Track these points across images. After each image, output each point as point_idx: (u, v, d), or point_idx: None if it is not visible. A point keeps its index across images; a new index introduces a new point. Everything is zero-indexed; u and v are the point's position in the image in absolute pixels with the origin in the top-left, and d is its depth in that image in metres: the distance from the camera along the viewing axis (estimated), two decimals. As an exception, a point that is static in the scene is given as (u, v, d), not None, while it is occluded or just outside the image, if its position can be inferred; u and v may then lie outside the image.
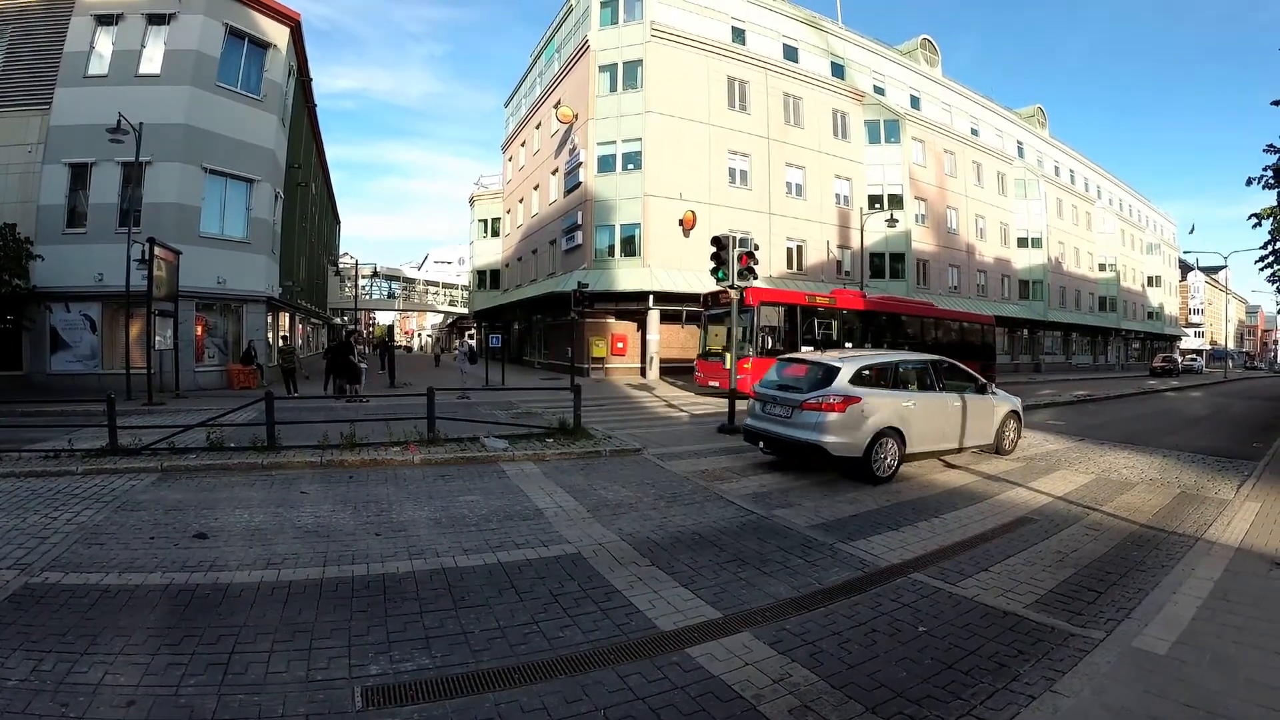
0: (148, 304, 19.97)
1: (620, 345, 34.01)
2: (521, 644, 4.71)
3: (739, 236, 15.59)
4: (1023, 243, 54.46)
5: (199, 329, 24.83)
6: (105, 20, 24.05)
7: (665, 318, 33.34)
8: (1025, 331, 56.47)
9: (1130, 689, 4.09)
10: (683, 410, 19.29)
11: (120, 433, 11.25)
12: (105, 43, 24.13)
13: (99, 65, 24.03)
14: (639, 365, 33.75)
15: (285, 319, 35.28)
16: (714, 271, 15.41)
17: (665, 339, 33.52)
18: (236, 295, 25.51)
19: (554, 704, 3.96)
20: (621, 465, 11.31)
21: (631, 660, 4.49)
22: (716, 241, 15.42)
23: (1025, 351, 56.97)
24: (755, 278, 15.55)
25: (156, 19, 24.12)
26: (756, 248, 15.72)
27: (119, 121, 19.72)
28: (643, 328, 33.52)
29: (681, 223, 32.39)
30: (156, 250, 19.92)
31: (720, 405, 17.63)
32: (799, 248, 38.27)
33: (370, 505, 8.44)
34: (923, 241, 44.50)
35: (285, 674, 4.28)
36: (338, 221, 68.61)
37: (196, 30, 24.20)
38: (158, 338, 21.48)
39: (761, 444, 11.10)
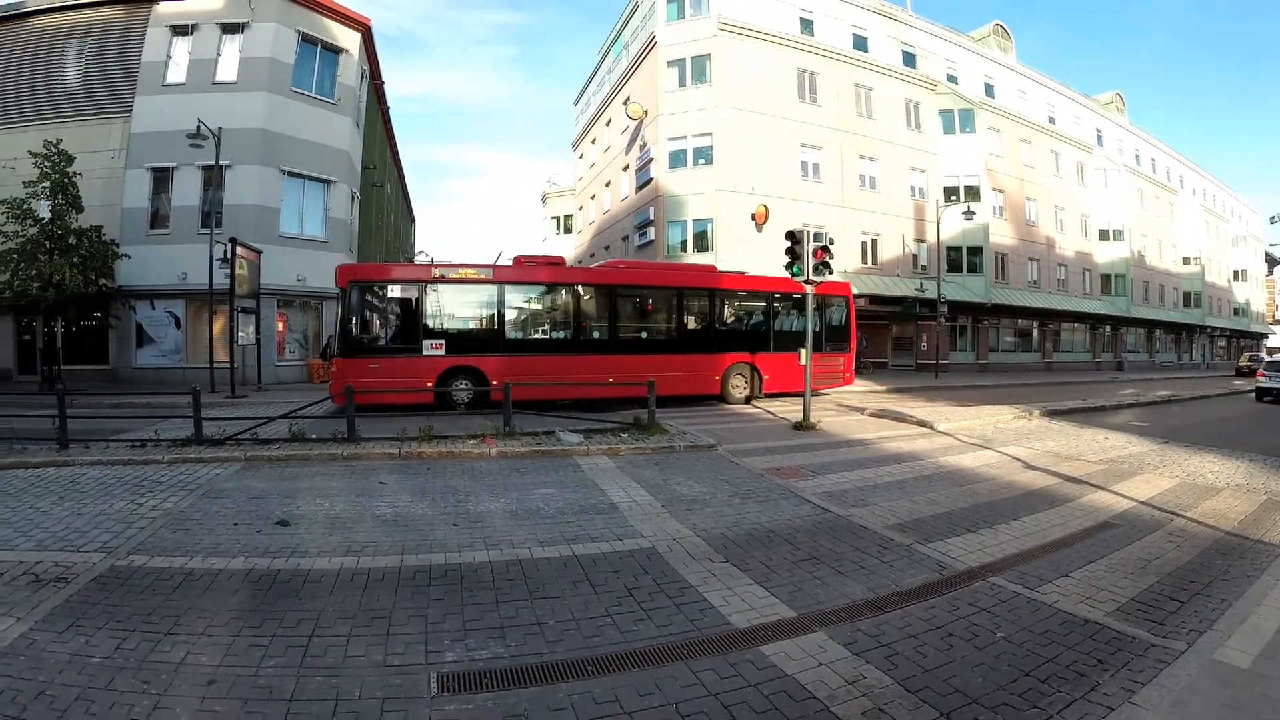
0: (230, 301, 20.69)
1: None
2: (595, 636, 4.72)
3: (813, 231, 15.28)
4: (1104, 235, 51.86)
5: (280, 325, 25.91)
6: (181, 30, 25.38)
7: None
8: (1108, 328, 53.88)
9: (1211, 703, 3.97)
10: (756, 406, 19.05)
11: (205, 424, 11.72)
12: (182, 52, 25.42)
13: (176, 74, 25.30)
14: None
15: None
16: (788, 266, 15.13)
17: None
18: (316, 292, 26.12)
19: (627, 697, 3.96)
20: (695, 461, 11.22)
21: (705, 656, 4.46)
22: (791, 236, 15.14)
23: (1107, 349, 54.41)
24: (830, 272, 15.23)
25: (230, 28, 25.30)
26: (831, 242, 15.37)
27: (198, 127, 20.52)
28: None
29: (754, 217, 31.97)
30: (238, 250, 20.60)
31: (794, 403, 17.33)
32: (873, 241, 37.43)
33: (447, 496, 8.58)
34: (1001, 235, 42.84)
35: (363, 658, 4.38)
36: (413, 220, 70.15)
37: (270, 38, 25.25)
38: (240, 334, 22.10)
39: None
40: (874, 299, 34.68)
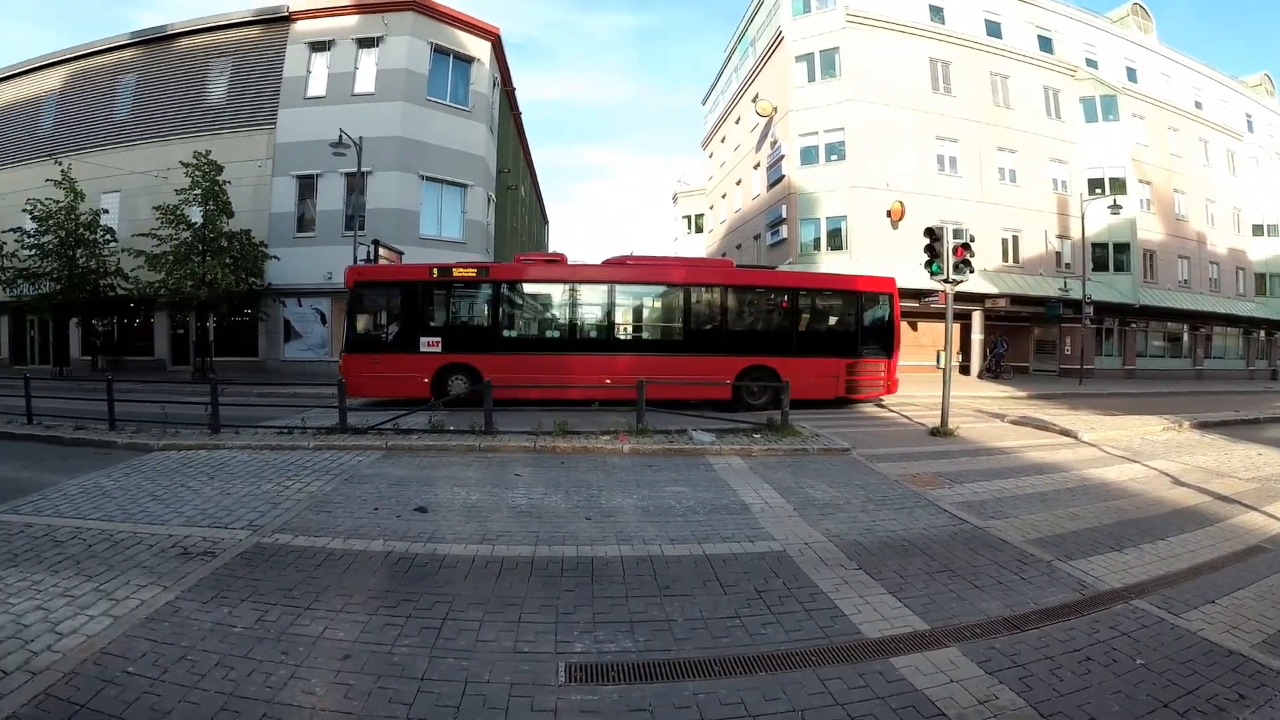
0: None
1: None
2: (723, 637, 4.68)
3: (953, 227, 14.45)
4: (1258, 230, 46.61)
5: None
6: (319, 46, 27.24)
7: None
8: (1261, 333, 48.93)
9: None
10: (891, 411, 18.28)
11: (348, 414, 12.35)
12: (321, 66, 27.26)
13: (317, 87, 27.17)
14: None
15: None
16: (928, 265, 14.33)
17: None
18: None
19: (752, 700, 3.91)
20: (829, 464, 10.81)
21: (833, 664, 4.36)
22: (930, 233, 14.34)
23: (1262, 356, 49.32)
24: (971, 271, 14.27)
25: (366, 42, 26.90)
26: (972, 239, 14.47)
27: (340, 136, 21.73)
28: None
29: (889, 214, 30.66)
30: (381, 251, 21.66)
31: (933, 407, 16.54)
32: (1014, 238, 35.30)
33: (580, 490, 8.63)
34: (1148, 230, 39.36)
35: (493, 643, 4.50)
36: (546, 221, 71.98)
37: (404, 50, 26.59)
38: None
39: None
40: (1015, 299, 32.76)
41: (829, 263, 30.86)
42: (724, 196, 45.68)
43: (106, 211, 27.84)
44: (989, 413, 17.93)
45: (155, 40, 29.55)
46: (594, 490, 8.64)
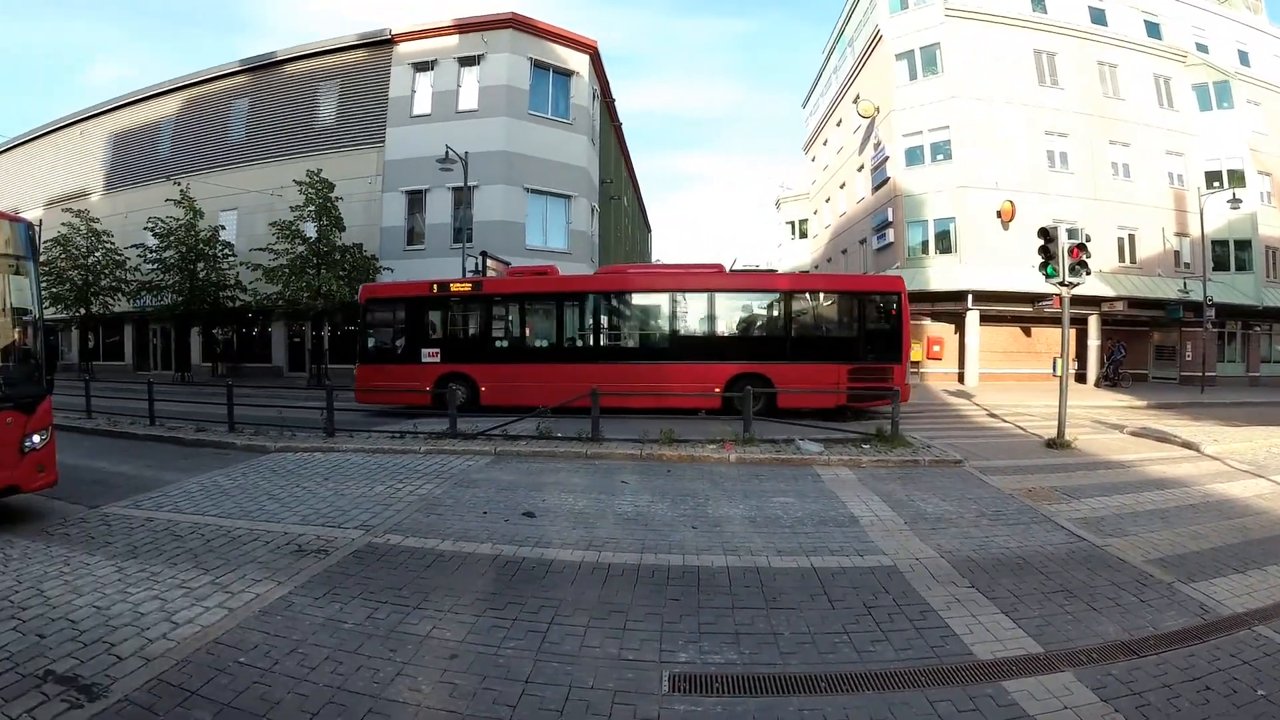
0: None
1: (936, 349, 31.90)
2: (830, 653, 4.59)
3: (1066, 227, 13.67)
4: None
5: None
6: (422, 67, 28.41)
7: (985, 319, 30.78)
8: None
9: None
10: (1005, 420, 17.49)
11: (458, 420, 12.68)
12: (425, 86, 28.39)
13: (422, 106, 28.30)
14: (956, 370, 31.44)
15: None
16: (1042, 267, 13.59)
17: (985, 342, 30.93)
18: None
19: (858, 719, 3.84)
20: (940, 476, 10.43)
21: (942, 686, 4.23)
22: (1044, 233, 13.61)
23: None
24: (1088, 273, 13.45)
25: (467, 61, 27.76)
26: (1088, 238, 13.68)
27: (446, 153, 22.42)
28: (960, 330, 31.22)
29: (999, 214, 29.51)
30: (489, 261, 22.16)
31: (1049, 418, 15.72)
32: (1130, 237, 33.17)
33: (686, 499, 8.59)
34: (1271, 225, 36.00)
35: (598, 650, 4.52)
36: (648, 230, 72.71)
37: (504, 67, 27.22)
38: None
39: None
40: (1133, 302, 30.85)
41: (937, 266, 30.00)
42: (828, 201, 44.99)
43: (224, 228, 30.01)
44: (1107, 423, 16.99)
45: (264, 66, 31.55)
46: (700, 499, 8.57)
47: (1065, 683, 4.26)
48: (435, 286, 18.16)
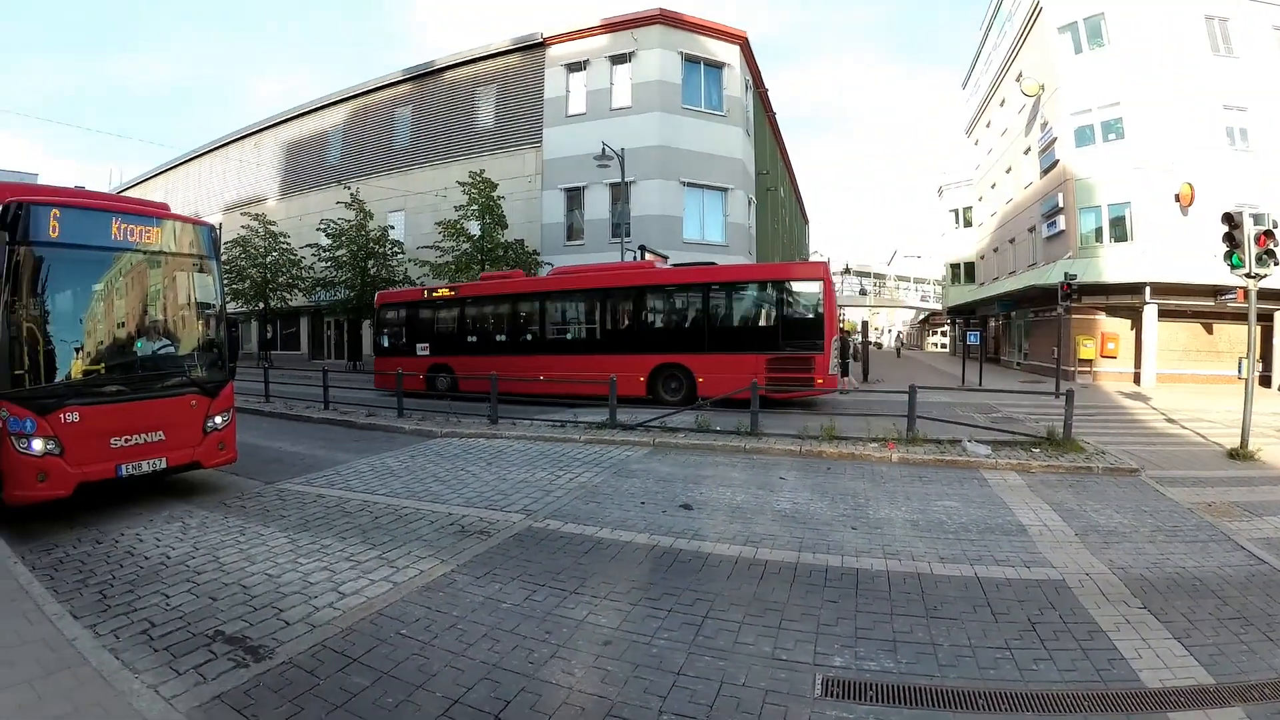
0: None
1: (1111, 346, 29.53)
2: (991, 668, 4.38)
3: (1250, 211, 12.31)
4: None
5: None
6: (574, 67, 29.34)
7: (1162, 313, 28.16)
8: None
9: None
10: (1184, 427, 16.00)
11: (617, 411, 13.06)
12: (579, 85, 29.33)
13: (577, 105, 29.25)
14: (1132, 370, 28.85)
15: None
16: (1227, 256, 12.26)
17: (1163, 338, 28.30)
18: None
19: None
20: (1114, 486, 9.71)
21: (1106, 712, 4.01)
22: (1228, 219, 12.24)
23: None
24: (1276, 263, 12.09)
25: (618, 59, 28.38)
26: (1275, 224, 12.20)
27: (603, 150, 22.85)
28: (1137, 325, 28.68)
29: (1177, 198, 26.71)
30: (647, 255, 22.44)
31: (1231, 425, 14.24)
32: None
33: (846, 498, 8.41)
34: None
35: (751, 647, 4.48)
36: (806, 221, 71.80)
37: (655, 63, 27.56)
38: None
39: None
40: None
41: (1112, 256, 27.60)
42: (993, 186, 42.59)
43: (393, 228, 32.19)
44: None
45: (425, 75, 33.39)
46: (861, 499, 8.36)
47: (1235, 719, 3.97)
48: (426, 292, 22.35)
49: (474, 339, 20.78)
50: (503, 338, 20.35)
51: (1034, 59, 32.55)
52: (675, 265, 20.03)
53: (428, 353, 21.05)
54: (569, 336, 19.86)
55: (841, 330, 29.68)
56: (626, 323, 18.93)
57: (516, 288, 20.95)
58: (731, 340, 17.36)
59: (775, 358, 16.52)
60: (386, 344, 22.24)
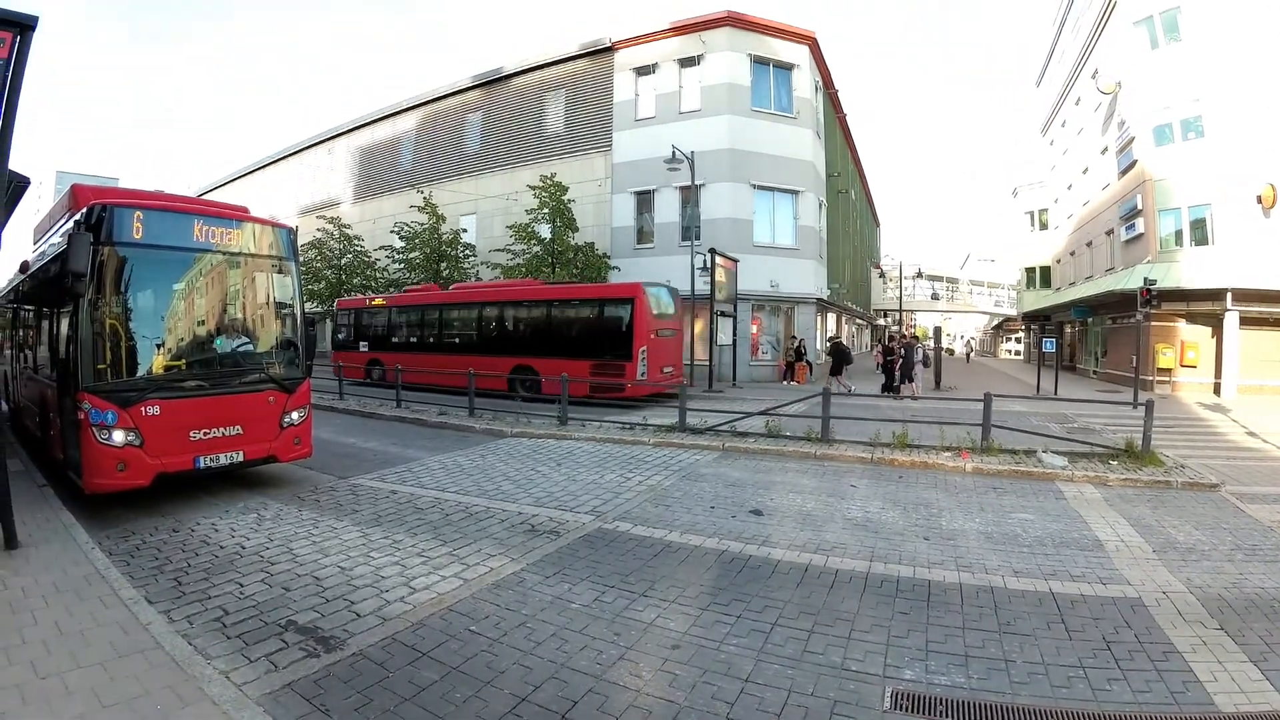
0: (710, 306, 22.87)
1: (1191, 355, 28.24)
2: (1063, 687, 4.27)
3: None
4: None
5: (754, 327, 27.86)
6: (643, 71, 29.24)
7: (1245, 321, 26.80)
8: None
9: None
10: (1266, 441, 15.28)
11: (687, 414, 12.99)
12: (647, 89, 29.22)
13: (646, 109, 29.14)
14: (1212, 380, 27.50)
15: (831, 319, 37.82)
16: None
17: (1245, 347, 26.88)
18: (788, 297, 27.99)
19: None
20: (1194, 501, 9.34)
21: None
22: None
23: None
24: None
25: (687, 62, 28.18)
26: None
27: (673, 153, 22.85)
28: (1218, 334, 27.35)
29: (1259, 200, 25.53)
30: (717, 259, 22.66)
31: None
32: None
33: (919, 508, 8.30)
34: None
35: (820, 656, 4.45)
36: (877, 225, 70.84)
37: (724, 65, 27.40)
38: (720, 335, 24.19)
39: None
40: None
41: (1191, 259, 26.36)
42: (1069, 188, 41.24)
43: (465, 230, 32.65)
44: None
45: (494, 81, 33.80)
46: (933, 509, 8.22)
47: (1309, 747, 3.88)
48: (367, 300, 27.57)
49: (395, 340, 25.44)
50: (414, 339, 24.72)
51: (1109, 54, 31.44)
52: (551, 284, 24.18)
53: (366, 349, 25.77)
54: (457, 340, 23.65)
55: (912, 336, 29.00)
56: (494, 330, 22.36)
57: (425, 299, 25.44)
58: (566, 347, 20.09)
59: (597, 363, 19.21)
60: (340, 339, 27.44)
